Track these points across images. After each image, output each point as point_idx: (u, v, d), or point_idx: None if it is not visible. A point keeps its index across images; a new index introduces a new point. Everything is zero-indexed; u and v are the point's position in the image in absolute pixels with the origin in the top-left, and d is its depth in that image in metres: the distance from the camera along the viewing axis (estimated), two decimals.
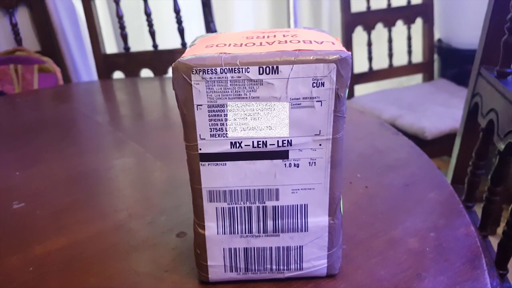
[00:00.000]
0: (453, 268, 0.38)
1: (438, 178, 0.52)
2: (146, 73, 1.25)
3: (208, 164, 0.32)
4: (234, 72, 0.29)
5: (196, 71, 0.29)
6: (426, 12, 1.61)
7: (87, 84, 1.17)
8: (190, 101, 0.30)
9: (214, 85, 0.29)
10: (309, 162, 0.33)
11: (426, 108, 1.42)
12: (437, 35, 1.78)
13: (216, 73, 0.29)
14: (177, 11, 1.24)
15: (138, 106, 0.89)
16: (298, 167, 0.33)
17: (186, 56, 0.30)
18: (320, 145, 0.32)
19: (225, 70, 0.29)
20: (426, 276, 0.37)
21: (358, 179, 0.54)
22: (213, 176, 0.33)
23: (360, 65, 1.61)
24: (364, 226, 0.44)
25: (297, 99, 0.30)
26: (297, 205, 0.34)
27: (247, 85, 0.30)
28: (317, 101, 0.30)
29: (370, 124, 0.70)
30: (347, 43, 1.55)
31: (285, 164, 0.33)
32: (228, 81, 0.29)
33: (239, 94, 0.30)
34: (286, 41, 0.31)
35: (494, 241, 0.60)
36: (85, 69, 1.65)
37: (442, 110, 1.39)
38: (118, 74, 1.28)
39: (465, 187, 0.70)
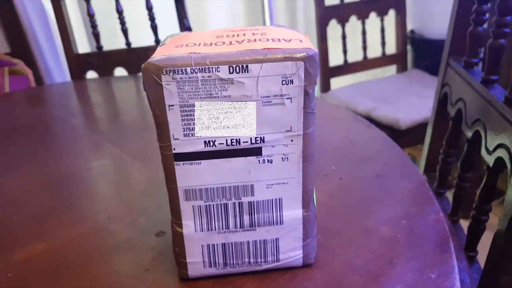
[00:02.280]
0: (423, 253, 0.39)
1: (409, 168, 0.54)
2: (120, 72, 1.24)
3: (183, 164, 0.33)
4: (205, 72, 0.30)
5: (166, 72, 0.30)
6: (398, 3, 1.64)
7: (60, 86, 1.16)
8: (162, 102, 0.31)
9: (185, 85, 0.30)
10: (282, 158, 0.34)
11: (400, 99, 1.45)
12: (409, 26, 1.81)
13: (186, 73, 0.30)
14: (149, 8, 1.23)
15: (114, 107, 0.89)
16: (271, 163, 0.34)
17: (156, 56, 0.31)
18: (291, 140, 0.33)
19: (196, 70, 0.30)
20: (398, 262, 0.38)
21: (332, 171, 0.55)
22: (189, 175, 0.33)
23: (335, 58, 1.63)
24: (339, 216, 0.46)
25: (267, 97, 0.31)
26: (272, 199, 0.35)
27: (218, 84, 0.30)
28: (287, 98, 0.31)
29: (345, 118, 0.72)
30: (322, 36, 1.57)
31: (259, 161, 0.34)
32: (199, 81, 0.30)
33: (211, 94, 0.31)
34: (255, 40, 0.32)
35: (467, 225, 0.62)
36: (58, 70, 1.63)
37: (415, 100, 1.42)
38: (91, 74, 1.27)
39: (437, 175, 0.73)
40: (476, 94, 0.58)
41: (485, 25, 0.62)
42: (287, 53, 0.30)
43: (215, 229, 0.36)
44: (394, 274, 0.37)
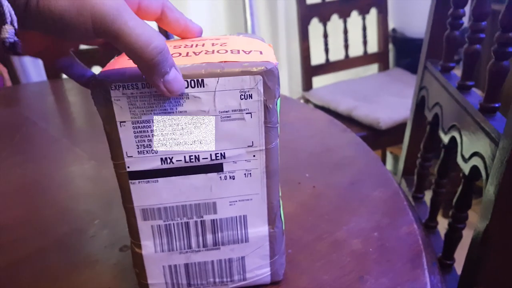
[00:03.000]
0: (394, 269, 0.38)
1: (384, 175, 0.53)
2: (97, 70, 1.21)
3: (139, 182, 0.31)
4: None
5: (116, 87, 0.28)
6: (380, 2, 1.63)
7: (35, 85, 1.13)
8: (113, 118, 0.29)
9: (137, 101, 0.28)
10: (245, 174, 0.32)
11: (381, 99, 1.44)
12: (391, 25, 1.81)
13: (137, 88, 0.28)
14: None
15: (87, 108, 0.86)
16: (234, 179, 0.32)
17: (106, 69, 0.29)
18: (254, 156, 0.32)
19: (147, 84, 0.28)
20: (368, 278, 0.37)
21: (306, 178, 0.54)
22: (146, 194, 0.31)
23: (317, 57, 1.62)
24: (309, 228, 0.44)
25: (226, 111, 0.29)
26: (236, 216, 0.34)
27: (172, 99, 0.28)
28: (246, 113, 0.30)
29: (321, 121, 0.70)
30: (304, 35, 1.55)
31: (220, 177, 0.32)
32: (152, 96, 0.28)
33: (165, 109, 0.29)
34: (213, 51, 0.30)
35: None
36: (35, 68, 1.59)
37: (396, 100, 1.42)
38: None
39: (415, 179, 0.72)
40: (452, 100, 0.57)
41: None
42: (244, 66, 0.28)
43: (176, 249, 0.34)
44: None
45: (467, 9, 0.58)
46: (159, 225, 0.33)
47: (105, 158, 0.63)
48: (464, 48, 0.54)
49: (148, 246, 0.33)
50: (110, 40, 0.25)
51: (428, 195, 0.69)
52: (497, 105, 0.48)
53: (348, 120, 1.38)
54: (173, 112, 0.29)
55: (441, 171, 0.62)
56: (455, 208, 0.54)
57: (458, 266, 0.58)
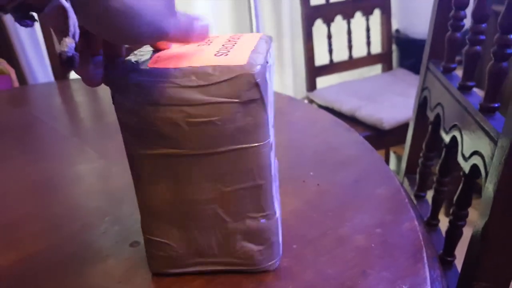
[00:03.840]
0: (396, 264, 0.39)
1: (387, 173, 0.54)
2: None
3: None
4: None
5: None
6: (383, 3, 1.64)
7: (43, 86, 1.14)
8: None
9: None
10: None
11: (384, 99, 1.46)
12: (395, 26, 1.82)
13: None
14: None
15: (96, 108, 0.88)
16: None
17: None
18: None
19: None
20: (371, 273, 0.38)
21: (310, 177, 0.55)
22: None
23: (321, 58, 1.63)
24: (314, 224, 0.46)
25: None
26: None
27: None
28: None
29: (325, 121, 0.72)
30: (308, 36, 1.57)
31: None
32: None
33: None
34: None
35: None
36: (42, 69, 1.61)
37: (399, 100, 1.43)
38: (75, 74, 1.25)
39: (417, 178, 0.73)
40: (453, 100, 0.59)
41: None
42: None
43: None
44: (366, 286, 0.37)
45: (469, 11, 0.59)
46: None
47: (115, 156, 0.65)
48: (465, 49, 0.56)
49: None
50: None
51: (430, 194, 0.70)
52: (496, 105, 0.49)
53: (352, 120, 1.40)
54: None
55: (443, 170, 0.64)
56: (456, 206, 0.56)
57: (460, 263, 0.59)
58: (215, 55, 0.33)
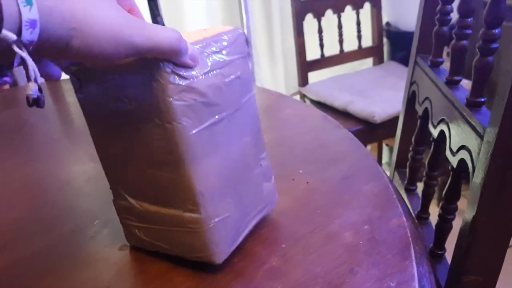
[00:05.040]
0: (384, 261, 0.40)
1: (375, 169, 0.54)
2: None
3: None
4: None
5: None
6: None
7: None
8: None
9: None
10: None
11: (376, 93, 1.46)
12: (385, 19, 1.82)
13: None
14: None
15: None
16: None
17: None
18: None
19: None
20: (359, 270, 0.39)
21: (300, 175, 0.55)
22: None
23: (312, 53, 1.63)
24: (303, 222, 0.46)
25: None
26: None
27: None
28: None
29: (314, 118, 0.72)
30: (298, 31, 1.56)
31: None
32: None
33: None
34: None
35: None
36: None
37: (390, 93, 1.43)
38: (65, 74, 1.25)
39: (407, 172, 0.74)
40: (441, 94, 0.59)
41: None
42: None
43: None
44: (354, 284, 0.37)
45: (456, 5, 0.60)
46: None
47: None
48: (452, 44, 0.56)
49: None
50: (142, 56, 0.31)
51: (421, 187, 0.71)
52: (483, 99, 0.50)
53: (344, 115, 1.40)
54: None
55: (432, 163, 0.64)
56: (445, 200, 0.56)
57: (450, 256, 0.59)
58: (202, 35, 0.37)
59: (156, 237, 0.40)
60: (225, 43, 0.37)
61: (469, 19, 0.54)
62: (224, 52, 0.37)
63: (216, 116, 0.36)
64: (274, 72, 2.05)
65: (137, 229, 0.41)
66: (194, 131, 0.35)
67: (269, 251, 0.42)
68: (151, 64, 0.32)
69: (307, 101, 1.61)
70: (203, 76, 0.35)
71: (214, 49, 0.36)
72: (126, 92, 0.35)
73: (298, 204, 0.49)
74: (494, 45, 0.48)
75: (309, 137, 0.65)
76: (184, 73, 0.33)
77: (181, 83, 0.33)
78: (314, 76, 1.67)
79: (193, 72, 0.34)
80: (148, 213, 0.40)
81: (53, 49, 0.26)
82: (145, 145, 0.36)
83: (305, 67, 1.61)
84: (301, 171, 0.56)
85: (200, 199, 0.36)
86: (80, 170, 0.61)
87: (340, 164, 0.56)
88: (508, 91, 0.39)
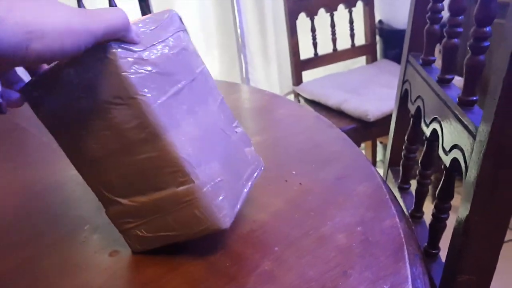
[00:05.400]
0: (377, 263, 0.39)
1: (368, 169, 0.54)
2: None
3: None
4: None
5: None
6: None
7: None
8: None
9: None
10: None
11: (369, 91, 1.46)
12: (377, 17, 1.82)
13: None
14: (112, 6, 1.20)
15: None
16: None
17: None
18: None
19: None
20: (352, 273, 0.38)
21: (293, 176, 0.55)
22: None
23: (306, 52, 1.62)
24: (296, 225, 0.45)
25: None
26: None
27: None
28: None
29: (308, 118, 0.71)
30: (292, 30, 1.56)
31: None
32: None
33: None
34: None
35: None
36: (24, 74, 1.58)
37: (384, 91, 1.43)
38: None
39: (401, 170, 0.73)
40: (433, 93, 0.59)
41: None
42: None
43: None
44: (347, 287, 0.37)
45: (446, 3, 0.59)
46: None
47: None
48: (443, 42, 0.56)
49: None
50: (98, 42, 0.32)
51: (414, 185, 0.70)
52: (475, 98, 0.49)
53: (338, 113, 1.40)
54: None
55: (425, 162, 0.64)
56: (438, 199, 0.56)
57: (445, 254, 0.59)
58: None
59: (159, 228, 0.40)
60: (161, 21, 0.39)
61: (460, 17, 0.54)
62: (162, 27, 0.39)
63: (177, 86, 0.38)
64: (268, 72, 2.04)
65: (137, 229, 0.41)
66: (159, 101, 0.35)
67: (262, 254, 0.42)
68: (97, 48, 0.33)
69: (301, 100, 1.60)
70: (150, 48, 0.36)
71: (153, 26, 0.38)
72: (82, 86, 0.35)
73: (291, 206, 0.49)
74: (486, 43, 0.47)
75: (303, 137, 0.64)
76: (132, 47, 0.34)
77: (130, 57, 0.34)
78: (308, 75, 1.67)
79: (139, 47, 0.35)
80: (142, 206, 0.39)
81: (14, 57, 0.27)
82: (117, 134, 0.36)
83: (298, 66, 1.61)
84: (294, 172, 0.55)
85: (188, 167, 0.36)
86: (70, 175, 0.60)
87: (333, 165, 0.56)
88: (499, 90, 0.39)
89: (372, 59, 1.72)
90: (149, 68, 0.35)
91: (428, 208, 0.67)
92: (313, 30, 1.61)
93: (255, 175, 0.45)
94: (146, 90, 0.34)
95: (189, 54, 0.41)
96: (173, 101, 0.37)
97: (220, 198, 0.39)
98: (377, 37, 1.77)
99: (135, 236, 0.41)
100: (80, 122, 0.37)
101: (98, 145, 0.37)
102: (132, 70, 0.34)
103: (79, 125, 0.37)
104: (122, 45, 0.34)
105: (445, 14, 0.58)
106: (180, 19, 0.41)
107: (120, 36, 0.33)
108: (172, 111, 0.37)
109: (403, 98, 0.73)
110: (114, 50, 0.33)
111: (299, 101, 1.62)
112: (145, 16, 0.40)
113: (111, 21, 0.32)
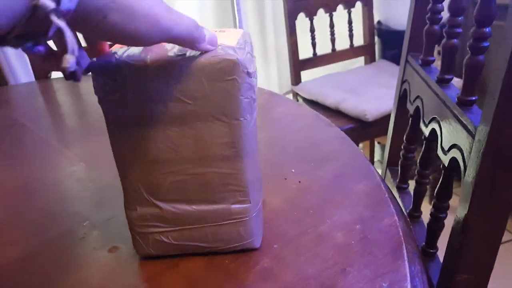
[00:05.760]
0: (376, 261, 0.39)
1: (367, 168, 0.54)
2: None
3: None
4: None
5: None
6: None
7: (23, 86, 1.12)
8: None
9: None
10: None
11: (368, 91, 1.46)
12: (376, 18, 1.83)
13: None
14: None
15: (77, 108, 0.87)
16: None
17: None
18: None
19: None
20: (351, 271, 0.38)
21: (292, 174, 0.55)
22: None
23: (305, 52, 1.63)
24: (295, 222, 0.46)
25: None
26: None
27: None
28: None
29: (306, 117, 0.71)
30: (291, 30, 1.56)
31: None
32: None
33: None
34: None
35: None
36: (23, 69, 1.58)
37: (382, 91, 1.44)
38: (57, 73, 1.23)
39: (399, 170, 0.74)
40: (432, 93, 0.59)
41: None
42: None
43: None
44: (346, 285, 0.37)
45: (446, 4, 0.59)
46: None
47: (95, 159, 0.64)
48: (442, 42, 0.56)
49: None
50: (168, 41, 0.31)
51: (412, 185, 0.71)
52: (474, 98, 0.50)
53: (336, 113, 1.40)
54: None
55: (423, 162, 0.64)
56: (436, 198, 0.56)
57: (442, 253, 0.59)
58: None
59: (190, 238, 0.40)
60: (248, 43, 0.38)
61: (460, 18, 0.54)
62: (250, 51, 0.37)
63: (255, 113, 0.38)
64: (267, 71, 2.05)
65: (164, 234, 0.40)
66: (251, 126, 0.36)
67: (261, 251, 0.42)
68: (227, 62, 0.33)
69: (300, 100, 1.61)
70: (254, 74, 0.36)
71: (248, 49, 0.36)
72: (186, 92, 0.34)
73: (290, 204, 0.49)
74: (485, 44, 0.48)
75: (301, 136, 0.65)
76: (250, 71, 0.34)
77: (248, 82, 0.34)
78: (306, 75, 1.67)
79: (251, 72, 0.35)
80: (184, 214, 0.39)
81: (89, 22, 0.25)
82: (199, 144, 0.36)
83: (297, 66, 1.61)
84: (293, 170, 0.55)
85: (250, 189, 0.38)
86: (69, 171, 0.60)
87: (332, 163, 0.56)
88: (498, 90, 0.39)
89: (370, 59, 1.73)
90: (252, 95, 0.35)
91: (426, 208, 0.67)
92: (312, 30, 1.61)
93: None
94: (247, 114, 0.35)
95: None
96: (255, 127, 0.38)
97: (259, 220, 0.41)
98: (376, 38, 1.77)
99: (156, 241, 0.40)
100: (157, 122, 0.35)
101: (169, 148, 0.36)
102: (246, 95, 0.35)
103: (153, 125, 0.35)
104: (246, 70, 0.34)
105: (445, 14, 0.59)
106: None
107: (186, 45, 0.32)
108: (255, 136, 0.38)
109: (402, 98, 0.74)
110: (242, 74, 0.33)
111: (297, 100, 1.62)
112: (236, 34, 0.38)
113: (181, 27, 0.30)
